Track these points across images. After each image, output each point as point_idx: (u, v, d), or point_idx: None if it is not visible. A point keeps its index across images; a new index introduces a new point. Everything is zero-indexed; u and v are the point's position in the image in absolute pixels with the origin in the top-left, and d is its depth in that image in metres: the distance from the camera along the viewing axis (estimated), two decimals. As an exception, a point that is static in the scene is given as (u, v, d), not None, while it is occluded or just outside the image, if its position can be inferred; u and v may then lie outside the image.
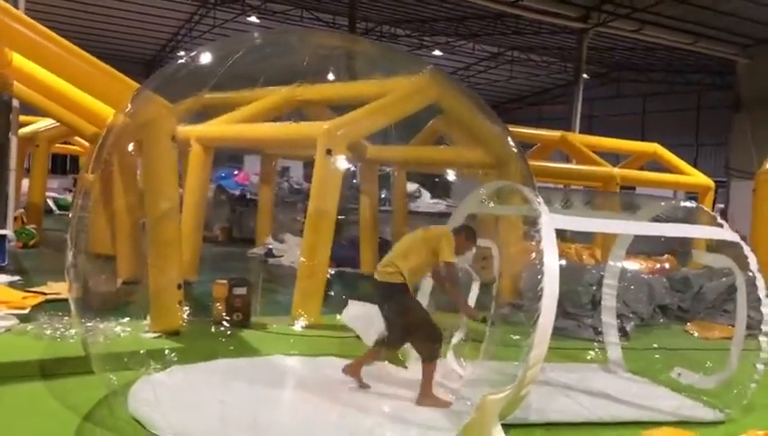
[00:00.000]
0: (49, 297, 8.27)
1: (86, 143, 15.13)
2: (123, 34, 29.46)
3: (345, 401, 5.22)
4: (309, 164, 12.90)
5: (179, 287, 7.02)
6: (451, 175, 11.92)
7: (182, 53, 27.47)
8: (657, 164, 17.95)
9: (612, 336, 7.01)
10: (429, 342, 5.28)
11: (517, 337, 5.89)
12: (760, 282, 5.49)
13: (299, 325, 7.73)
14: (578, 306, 8.54)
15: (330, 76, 10.06)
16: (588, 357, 7.32)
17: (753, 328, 5.73)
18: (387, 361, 6.46)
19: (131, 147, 7.61)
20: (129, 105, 6.30)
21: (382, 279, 5.37)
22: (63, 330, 6.78)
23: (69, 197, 20.88)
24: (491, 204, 6.27)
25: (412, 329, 5.38)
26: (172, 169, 7.11)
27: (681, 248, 12.08)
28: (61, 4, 25.02)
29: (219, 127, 10.78)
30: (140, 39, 30.55)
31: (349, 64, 9.71)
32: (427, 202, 25.88)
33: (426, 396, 5.27)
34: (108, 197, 9.02)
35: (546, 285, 4.35)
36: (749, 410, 5.61)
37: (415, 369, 6.06)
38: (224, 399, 5.10)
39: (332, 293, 8.95)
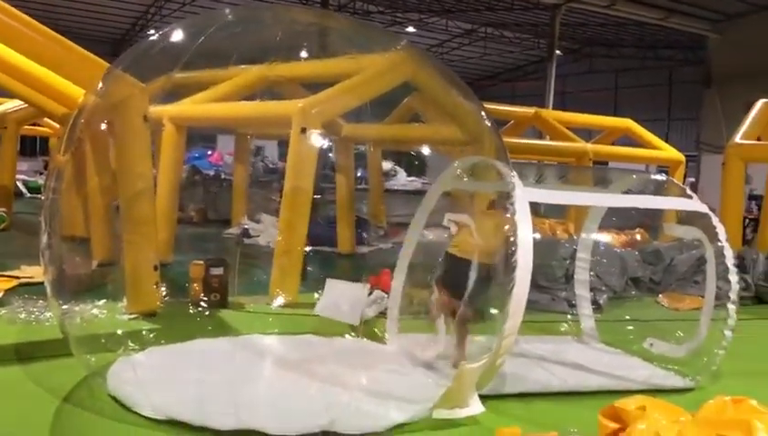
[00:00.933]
0: (23, 281, 8.17)
1: (56, 125, 14.86)
2: (90, 13, 28.86)
3: (323, 378, 5.26)
4: (284, 143, 12.81)
5: (155, 268, 6.98)
6: (426, 152, 11.93)
7: (151, 31, 26.96)
8: (630, 139, 18.14)
9: (585, 309, 7.13)
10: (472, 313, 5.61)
11: (495, 311, 5.99)
12: (728, 252, 5.62)
13: (276, 304, 7.75)
14: (552, 280, 8.65)
15: (304, 54, 9.96)
16: (562, 329, 7.45)
17: (722, 298, 5.85)
18: (365, 338, 6.54)
19: (103, 127, 7.50)
20: (100, 85, 6.20)
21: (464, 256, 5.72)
22: (37, 313, 6.69)
23: (39, 180, 20.50)
24: (465, 179, 6.32)
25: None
26: (145, 149, 7.02)
27: (652, 221, 12.27)
28: (25, -18, 24.41)
29: (192, 106, 10.65)
30: (108, 18, 29.93)
31: (323, 41, 9.61)
32: (402, 180, 25.97)
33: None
34: (81, 178, 8.91)
35: (520, 257, 4.42)
36: (717, 377, 5.78)
37: (394, 344, 6.16)
38: (203, 378, 5.11)
39: (310, 269, 8.98)
